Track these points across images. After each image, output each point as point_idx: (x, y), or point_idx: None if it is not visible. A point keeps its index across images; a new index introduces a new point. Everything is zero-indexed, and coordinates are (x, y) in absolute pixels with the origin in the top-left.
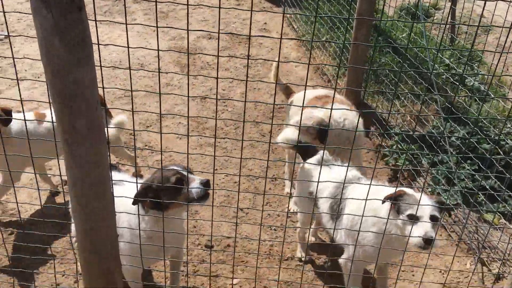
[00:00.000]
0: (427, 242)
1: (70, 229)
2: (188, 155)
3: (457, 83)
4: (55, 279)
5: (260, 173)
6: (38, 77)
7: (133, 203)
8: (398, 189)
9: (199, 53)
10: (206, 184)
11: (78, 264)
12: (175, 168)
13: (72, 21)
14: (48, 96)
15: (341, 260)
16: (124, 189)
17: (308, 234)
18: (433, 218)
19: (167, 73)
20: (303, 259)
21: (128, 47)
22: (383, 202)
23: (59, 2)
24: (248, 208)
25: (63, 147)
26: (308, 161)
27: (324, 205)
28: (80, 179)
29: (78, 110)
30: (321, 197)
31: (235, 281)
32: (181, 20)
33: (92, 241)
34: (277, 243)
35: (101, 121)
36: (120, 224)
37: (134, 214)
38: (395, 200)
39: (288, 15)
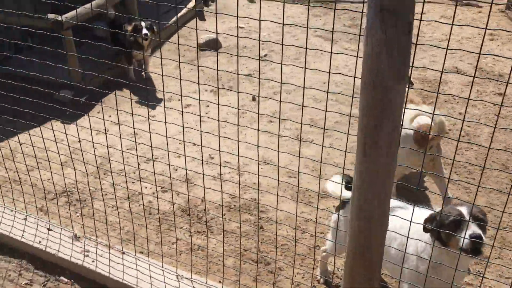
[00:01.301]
0: None
1: (327, 238)
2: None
3: None
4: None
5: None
6: (289, 93)
7: (424, 230)
8: None
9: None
10: (476, 237)
11: (316, 271)
12: (463, 209)
13: (402, 42)
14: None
15: None
16: (408, 213)
17: None
18: None
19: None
20: None
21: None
22: None
23: (393, 24)
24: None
25: (357, 153)
26: None
27: None
28: (366, 186)
29: (384, 126)
30: None
31: None
32: (425, 51)
33: (363, 246)
34: None
35: (398, 138)
36: (407, 249)
37: (413, 239)
38: None
39: None
